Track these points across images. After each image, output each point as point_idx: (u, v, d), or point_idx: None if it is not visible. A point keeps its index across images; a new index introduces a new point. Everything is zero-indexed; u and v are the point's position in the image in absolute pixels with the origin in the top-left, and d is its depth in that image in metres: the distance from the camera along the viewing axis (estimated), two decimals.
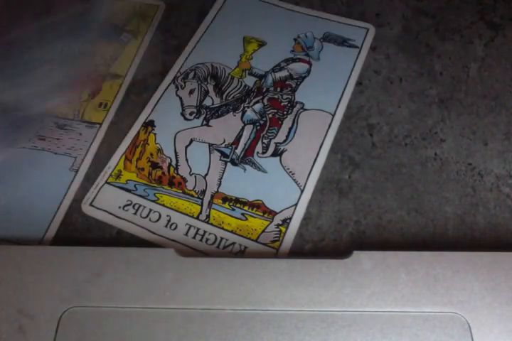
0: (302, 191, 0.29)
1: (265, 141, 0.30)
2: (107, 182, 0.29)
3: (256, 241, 0.27)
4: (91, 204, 0.28)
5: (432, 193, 0.29)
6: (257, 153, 0.30)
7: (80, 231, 0.28)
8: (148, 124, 0.31)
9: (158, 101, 0.32)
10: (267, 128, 0.31)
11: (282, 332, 0.24)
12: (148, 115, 0.31)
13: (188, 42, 0.34)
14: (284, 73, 0.33)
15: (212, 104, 0.32)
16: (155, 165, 0.30)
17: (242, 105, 0.32)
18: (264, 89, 0.32)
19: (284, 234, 0.28)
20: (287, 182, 0.29)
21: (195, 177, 0.29)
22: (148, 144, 0.30)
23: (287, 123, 0.31)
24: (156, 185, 0.29)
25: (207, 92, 0.32)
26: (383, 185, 0.29)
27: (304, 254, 0.27)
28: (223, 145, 0.30)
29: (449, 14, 0.35)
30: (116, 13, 0.32)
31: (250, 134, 0.31)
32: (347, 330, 0.24)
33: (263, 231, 0.28)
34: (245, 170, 0.29)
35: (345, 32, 0.34)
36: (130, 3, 0.35)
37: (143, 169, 0.30)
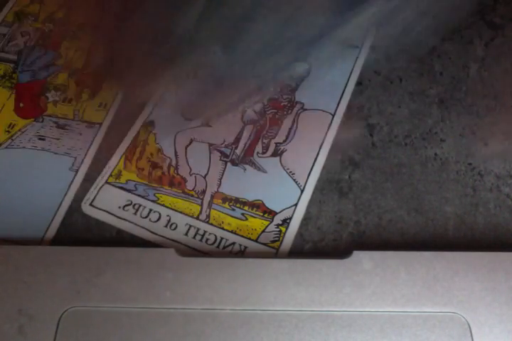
0: (302, 191, 0.29)
1: (265, 140, 0.30)
2: (107, 182, 0.29)
3: (256, 241, 0.27)
4: (91, 204, 0.28)
5: (432, 193, 0.29)
6: (257, 153, 0.30)
7: (80, 231, 0.28)
8: (148, 124, 0.31)
9: (158, 101, 0.32)
10: (267, 128, 0.31)
11: (282, 332, 0.24)
12: (148, 115, 0.31)
13: None
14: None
15: None
16: (155, 165, 0.30)
17: (242, 105, 0.32)
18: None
19: (284, 234, 0.28)
20: (287, 182, 0.29)
21: (195, 177, 0.29)
22: (148, 144, 0.30)
23: (287, 123, 0.31)
24: (156, 185, 0.29)
25: None
26: (383, 185, 0.29)
27: (304, 254, 0.27)
28: (223, 145, 0.30)
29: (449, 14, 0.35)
30: None
31: (250, 134, 0.31)
32: (347, 330, 0.24)
33: (263, 231, 0.28)
34: (245, 170, 0.29)
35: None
36: None
37: (143, 169, 0.30)
